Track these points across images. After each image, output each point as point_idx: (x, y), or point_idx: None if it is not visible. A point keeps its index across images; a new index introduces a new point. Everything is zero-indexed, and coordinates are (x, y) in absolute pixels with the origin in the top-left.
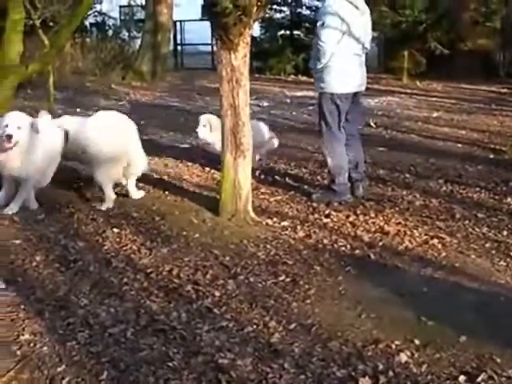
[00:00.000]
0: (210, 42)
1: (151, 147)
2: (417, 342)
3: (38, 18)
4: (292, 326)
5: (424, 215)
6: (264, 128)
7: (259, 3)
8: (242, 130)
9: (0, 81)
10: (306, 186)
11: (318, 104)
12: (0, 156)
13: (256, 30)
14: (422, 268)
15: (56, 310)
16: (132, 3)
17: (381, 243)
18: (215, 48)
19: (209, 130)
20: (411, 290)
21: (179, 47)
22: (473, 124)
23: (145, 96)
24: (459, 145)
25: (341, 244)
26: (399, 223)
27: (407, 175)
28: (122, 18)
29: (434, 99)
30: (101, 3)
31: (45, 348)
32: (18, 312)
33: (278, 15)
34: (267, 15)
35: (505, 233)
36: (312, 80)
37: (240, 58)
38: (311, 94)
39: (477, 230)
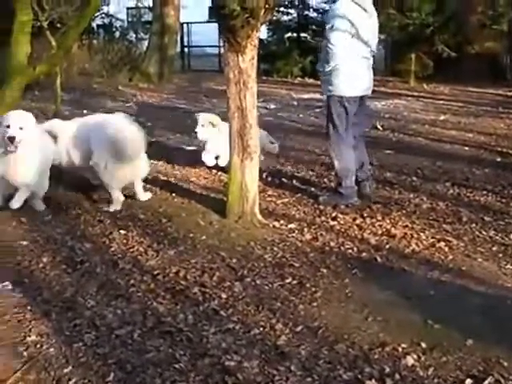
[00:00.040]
0: (216, 44)
1: (158, 149)
2: (423, 345)
3: (46, 19)
4: (299, 329)
5: (431, 218)
6: (263, 134)
7: (267, 6)
8: (249, 132)
9: (8, 82)
10: (312, 189)
11: (326, 107)
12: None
13: (263, 32)
14: (428, 271)
15: (63, 312)
16: (139, 5)
17: (388, 246)
18: (222, 50)
19: (208, 130)
20: (418, 293)
21: (186, 49)
22: (480, 127)
23: (152, 98)
24: (466, 148)
25: (347, 247)
26: (406, 226)
27: (414, 178)
28: (129, 19)
29: (441, 102)
30: (108, 5)
31: (51, 349)
32: (25, 313)
33: (285, 18)
34: (274, 18)
35: None
36: (319, 82)
37: (247, 61)
38: (318, 96)
39: (484, 233)
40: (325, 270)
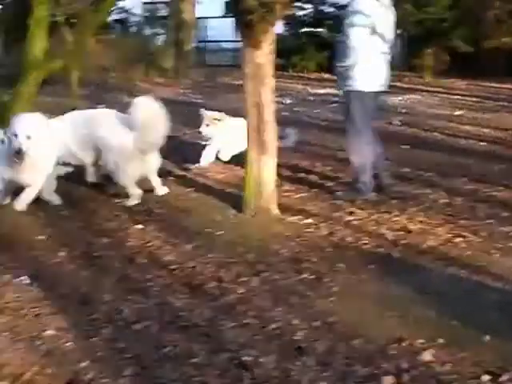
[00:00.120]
0: (232, 39)
1: (175, 144)
2: (440, 340)
3: (62, 14)
4: (315, 324)
5: (447, 213)
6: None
7: (283, 0)
8: (266, 127)
9: (24, 77)
10: (329, 184)
11: (345, 102)
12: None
13: (279, 27)
14: (445, 267)
15: (80, 306)
16: (155, 0)
17: (404, 241)
18: (238, 45)
19: (212, 128)
20: (435, 289)
21: (202, 44)
22: (496, 122)
23: (168, 93)
24: (482, 143)
25: (364, 242)
26: (423, 221)
27: (430, 173)
28: (145, 14)
29: (457, 97)
30: (124, 0)
31: (68, 343)
32: (42, 307)
33: (300, 12)
34: (290, 12)
35: None
36: (335, 78)
37: (264, 56)
38: (334, 91)
39: (501, 228)
40: (341, 265)
